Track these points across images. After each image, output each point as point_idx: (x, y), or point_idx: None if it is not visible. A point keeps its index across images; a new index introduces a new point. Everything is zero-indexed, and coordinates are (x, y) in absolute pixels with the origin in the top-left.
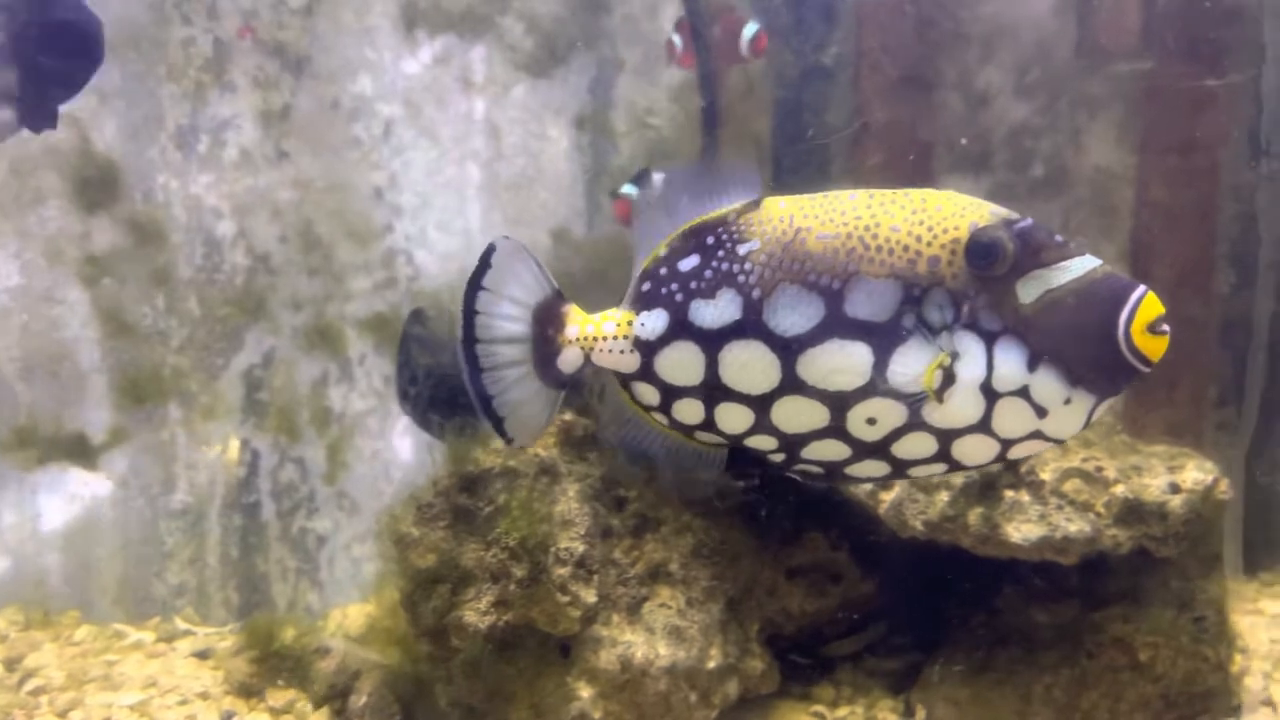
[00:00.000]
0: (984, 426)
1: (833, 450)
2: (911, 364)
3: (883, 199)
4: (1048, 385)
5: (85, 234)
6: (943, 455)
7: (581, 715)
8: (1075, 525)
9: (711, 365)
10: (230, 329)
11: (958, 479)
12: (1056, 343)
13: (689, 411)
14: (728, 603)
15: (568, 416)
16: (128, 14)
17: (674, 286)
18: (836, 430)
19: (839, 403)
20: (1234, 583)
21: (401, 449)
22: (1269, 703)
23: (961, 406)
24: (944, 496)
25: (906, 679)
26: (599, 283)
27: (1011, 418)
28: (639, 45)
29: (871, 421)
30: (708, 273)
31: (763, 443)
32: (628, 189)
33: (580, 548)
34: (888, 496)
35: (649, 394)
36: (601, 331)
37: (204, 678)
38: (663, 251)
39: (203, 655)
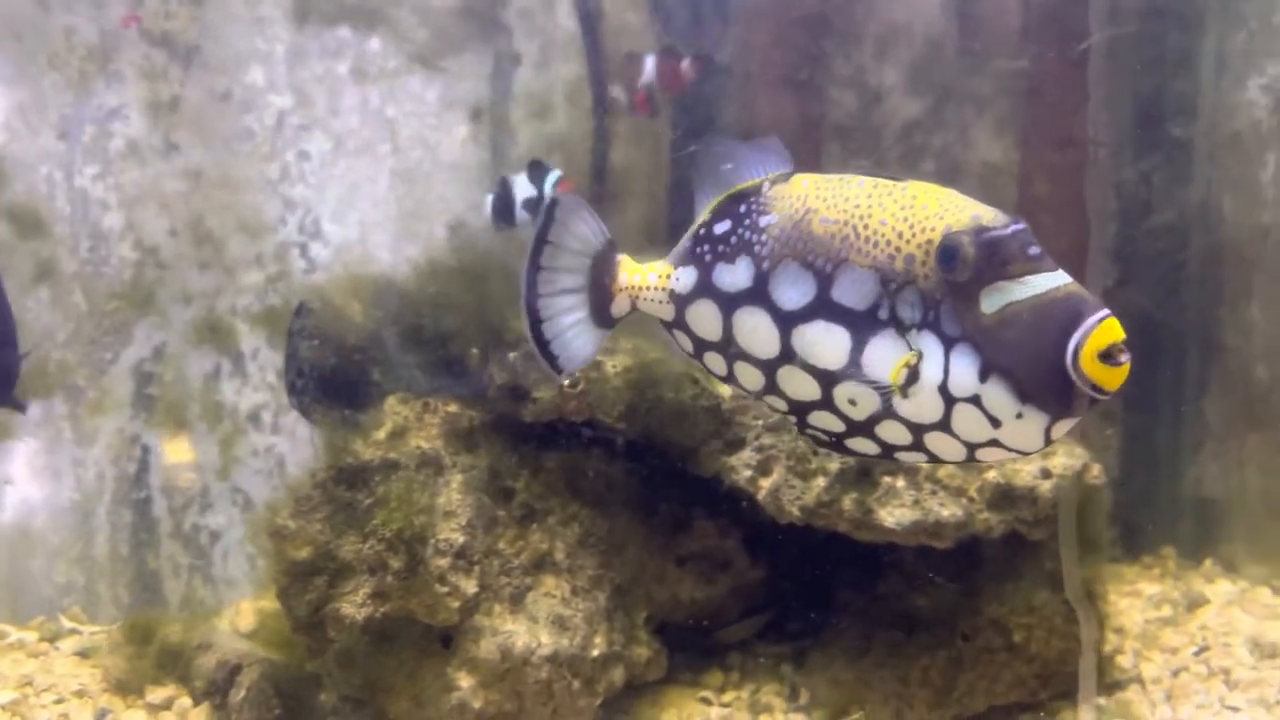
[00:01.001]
0: (945, 426)
1: (830, 422)
2: (881, 355)
3: (882, 190)
4: (997, 397)
5: None
6: (919, 446)
7: (461, 705)
8: (948, 510)
9: (727, 326)
10: (119, 323)
11: (833, 465)
12: (1007, 357)
13: (715, 363)
14: (614, 591)
15: (452, 408)
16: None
17: (706, 248)
18: (828, 404)
19: (826, 380)
20: (1117, 566)
21: (296, 443)
22: (1139, 680)
23: (923, 405)
24: (821, 482)
25: (794, 663)
26: (500, 273)
27: (967, 423)
28: (536, 39)
29: (852, 403)
30: (733, 239)
31: (776, 403)
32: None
33: (461, 538)
34: (766, 483)
35: (685, 341)
36: (646, 281)
37: (83, 676)
38: (707, 215)
39: (85, 654)
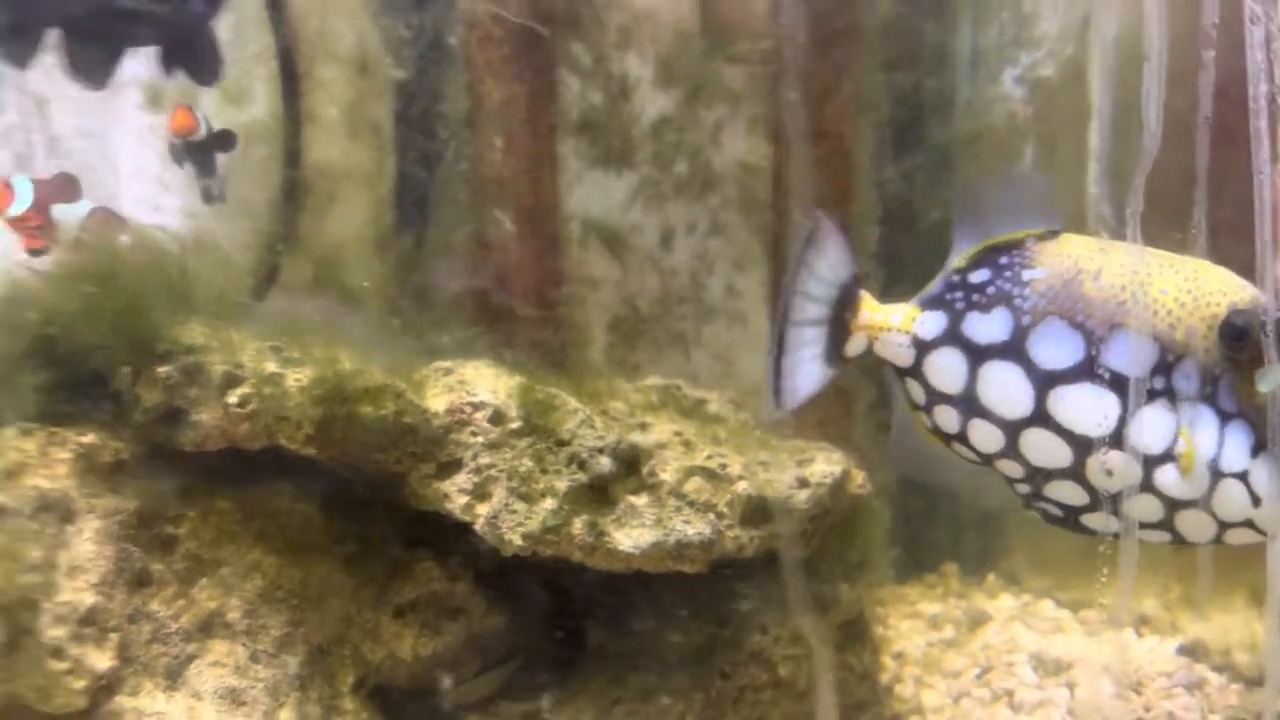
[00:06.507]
0: (1204, 503)
1: (1071, 494)
2: (1150, 426)
3: (1161, 261)
4: (1265, 476)
5: None
6: (1167, 524)
7: None
8: (694, 528)
9: (971, 379)
10: None
11: (562, 484)
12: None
13: (947, 419)
14: (311, 653)
15: (90, 438)
16: None
17: (959, 295)
18: (1075, 474)
19: (1082, 446)
20: (899, 587)
21: None
22: (919, 710)
23: (1190, 479)
24: (548, 505)
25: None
26: (151, 274)
27: (1229, 500)
28: (228, 14)
29: (1109, 474)
30: (991, 289)
31: (1010, 469)
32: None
33: (90, 599)
34: (484, 509)
35: (917, 392)
36: (889, 322)
37: None
38: (963, 263)
39: None
